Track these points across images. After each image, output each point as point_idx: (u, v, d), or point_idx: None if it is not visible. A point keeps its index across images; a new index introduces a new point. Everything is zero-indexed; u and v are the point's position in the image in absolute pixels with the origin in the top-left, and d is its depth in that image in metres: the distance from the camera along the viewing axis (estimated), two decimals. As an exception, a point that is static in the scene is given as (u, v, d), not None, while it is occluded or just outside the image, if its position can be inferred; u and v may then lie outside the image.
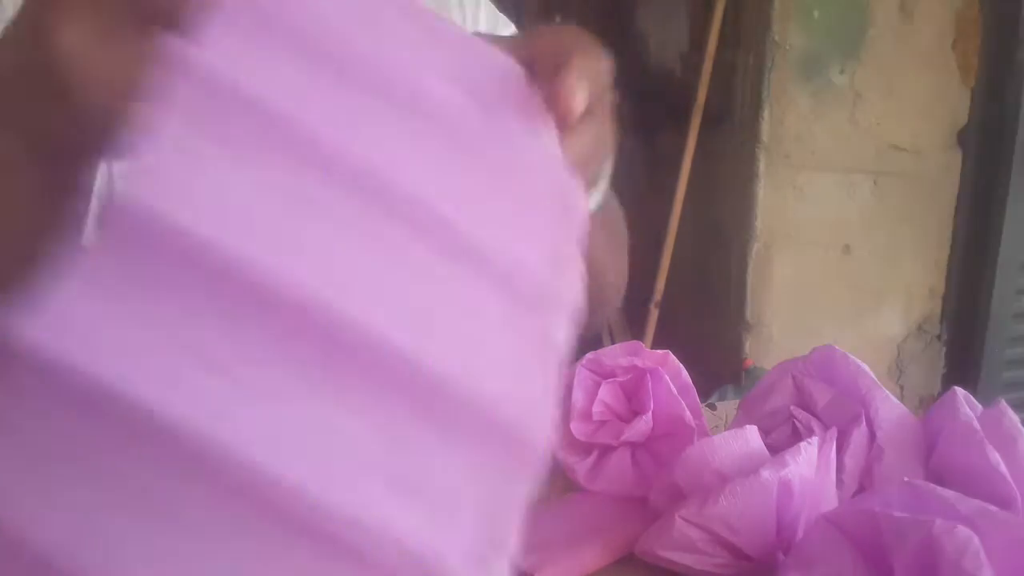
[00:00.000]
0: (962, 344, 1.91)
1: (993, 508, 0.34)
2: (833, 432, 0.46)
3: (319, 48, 0.21)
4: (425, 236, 0.19)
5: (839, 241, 1.82)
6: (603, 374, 0.53)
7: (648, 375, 0.52)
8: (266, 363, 0.17)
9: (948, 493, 0.35)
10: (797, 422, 0.50)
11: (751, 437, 0.45)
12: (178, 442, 0.16)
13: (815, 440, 0.43)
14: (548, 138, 0.24)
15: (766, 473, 0.40)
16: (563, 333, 0.20)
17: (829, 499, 0.44)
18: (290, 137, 0.19)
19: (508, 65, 0.25)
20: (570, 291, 0.21)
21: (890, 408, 0.48)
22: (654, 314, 1.94)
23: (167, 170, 0.18)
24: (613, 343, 0.55)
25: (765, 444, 0.50)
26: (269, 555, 0.16)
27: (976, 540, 0.31)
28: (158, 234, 0.17)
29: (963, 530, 0.32)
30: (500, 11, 0.78)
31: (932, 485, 0.36)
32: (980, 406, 0.48)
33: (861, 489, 0.47)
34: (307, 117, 0.20)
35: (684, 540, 0.42)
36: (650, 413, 0.51)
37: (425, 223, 0.19)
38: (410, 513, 0.17)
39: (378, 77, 0.21)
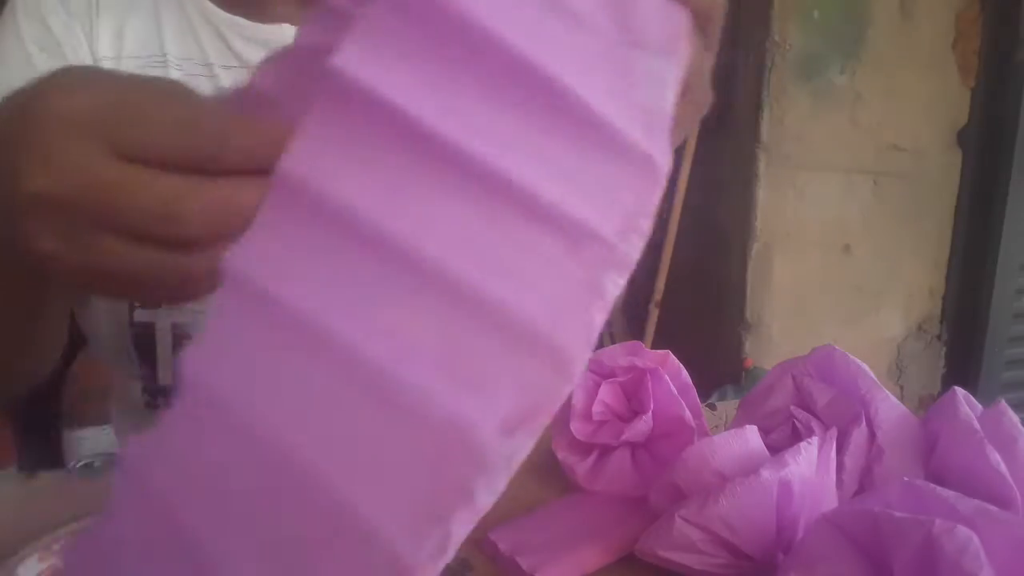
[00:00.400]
0: (962, 344, 1.91)
1: (992, 508, 0.34)
2: (833, 432, 0.46)
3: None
4: (500, 194, 0.24)
5: (839, 241, 1.82)
6: (603, 374, 0.53)
7: (648, 375, 0.52)
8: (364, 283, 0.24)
9: (947, 493, 0.35)
10: (797, 422, 0.50)
11: (751, 437, 0.45)
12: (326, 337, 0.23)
13: (815, 440, 0.43)
14: (673, 75, 0.26)
15: (766, 473, 0.40)
16: (613, 285, 0.24)
17: (829, 499, 0.43)
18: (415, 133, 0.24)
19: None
20: (628, 250, 0.25)
21: (890, 408, 0.48)
22: (654, 314, 1.94)
23: None
24: (613, 343, 0.55)
25: (765, 444, 0.50)
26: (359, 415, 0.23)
27: (976, 540, 0.31)
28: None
29: (963, 530, 0.32)
30: None
31: (932, 485, 0.35)
32: (980, 406, 0.48)
33: (861, 489, 0.47)
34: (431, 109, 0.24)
35: (684, 540, 0.41)
36: (650, 413, 0.51)
37: (501, 184, 0.24)
38: (454, 392, 0.22)
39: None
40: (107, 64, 0.67)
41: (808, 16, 1.66)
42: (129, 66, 0.67)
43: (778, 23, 1.65)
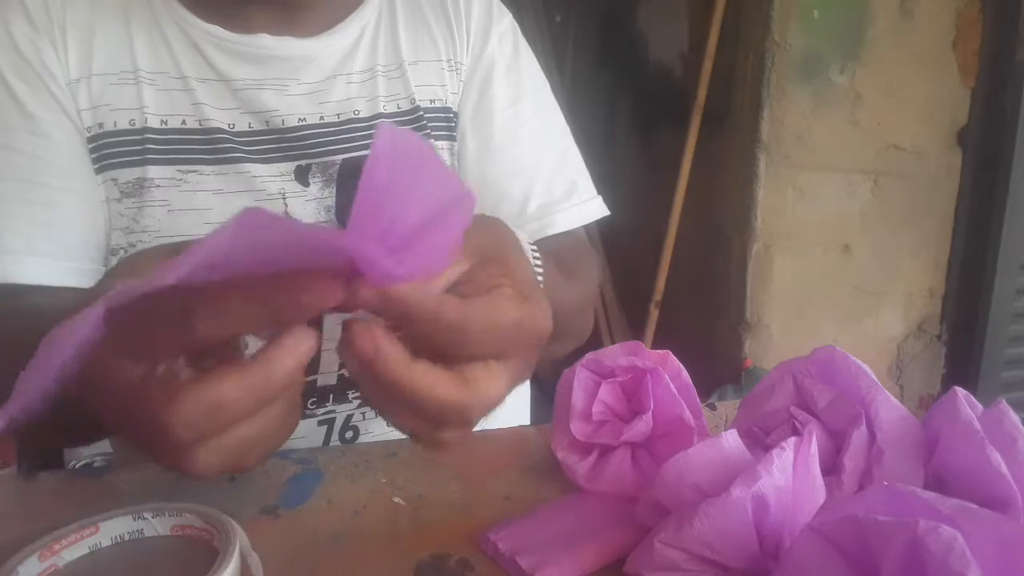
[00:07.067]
0: (962, 344, 1.92)
1: (973, 506, 0.33)
2: (811, 428, 0.45)
3: None
4: None
5: (839, 241, 1.82)
6: (603, 374, 0.53)
7: (648, 375, 0.52)
8: None
9: (927, 494, 0.34)
10: (797, 422, 0.50)
11: (728, 443, 0.44)
12: None
13: (791, 443, 0.42)
14: None
15: (736, 491, 0.39)
16: None
17: (813, 499, 0.42)
18: None
19: None
20: None
21: (890, 409, 0.48)
22: (654, 314, 1.94)
23: None
24: (613, 343, 0.55)
25: (765, 444, 0.50)
26: None
27: (960, 538, 0.31)
28: None
29: (947, 529, 0.31)
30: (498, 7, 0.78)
31: (912, 487, 0.35)
32: (980, 406, 0.48)
33: (861, 490, 0.47)
34: None
35: (667, 562, 0.41)
36: (650, 413, 0.51)
37: None
38: None
39: None
40: (78, 87, 0.64)
41: (808, 16, 1.66)
42: (99, 85, 0.64)
43: (778, 23, 1.65)
